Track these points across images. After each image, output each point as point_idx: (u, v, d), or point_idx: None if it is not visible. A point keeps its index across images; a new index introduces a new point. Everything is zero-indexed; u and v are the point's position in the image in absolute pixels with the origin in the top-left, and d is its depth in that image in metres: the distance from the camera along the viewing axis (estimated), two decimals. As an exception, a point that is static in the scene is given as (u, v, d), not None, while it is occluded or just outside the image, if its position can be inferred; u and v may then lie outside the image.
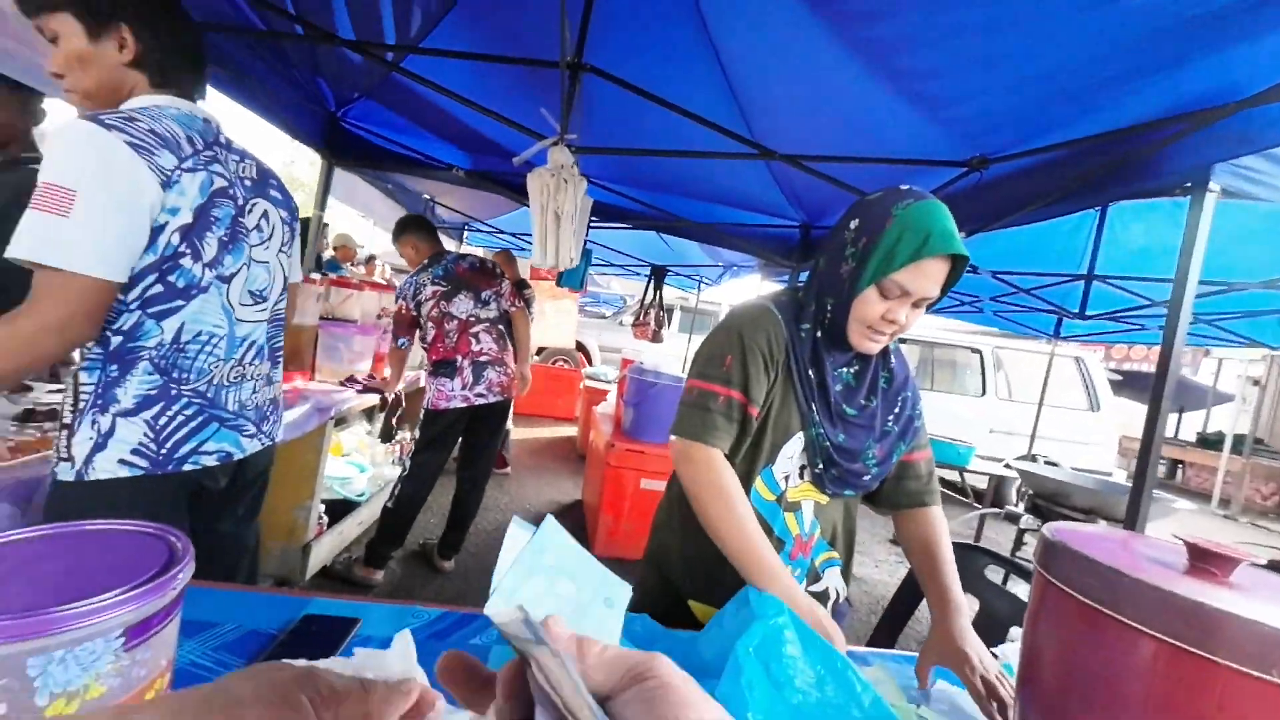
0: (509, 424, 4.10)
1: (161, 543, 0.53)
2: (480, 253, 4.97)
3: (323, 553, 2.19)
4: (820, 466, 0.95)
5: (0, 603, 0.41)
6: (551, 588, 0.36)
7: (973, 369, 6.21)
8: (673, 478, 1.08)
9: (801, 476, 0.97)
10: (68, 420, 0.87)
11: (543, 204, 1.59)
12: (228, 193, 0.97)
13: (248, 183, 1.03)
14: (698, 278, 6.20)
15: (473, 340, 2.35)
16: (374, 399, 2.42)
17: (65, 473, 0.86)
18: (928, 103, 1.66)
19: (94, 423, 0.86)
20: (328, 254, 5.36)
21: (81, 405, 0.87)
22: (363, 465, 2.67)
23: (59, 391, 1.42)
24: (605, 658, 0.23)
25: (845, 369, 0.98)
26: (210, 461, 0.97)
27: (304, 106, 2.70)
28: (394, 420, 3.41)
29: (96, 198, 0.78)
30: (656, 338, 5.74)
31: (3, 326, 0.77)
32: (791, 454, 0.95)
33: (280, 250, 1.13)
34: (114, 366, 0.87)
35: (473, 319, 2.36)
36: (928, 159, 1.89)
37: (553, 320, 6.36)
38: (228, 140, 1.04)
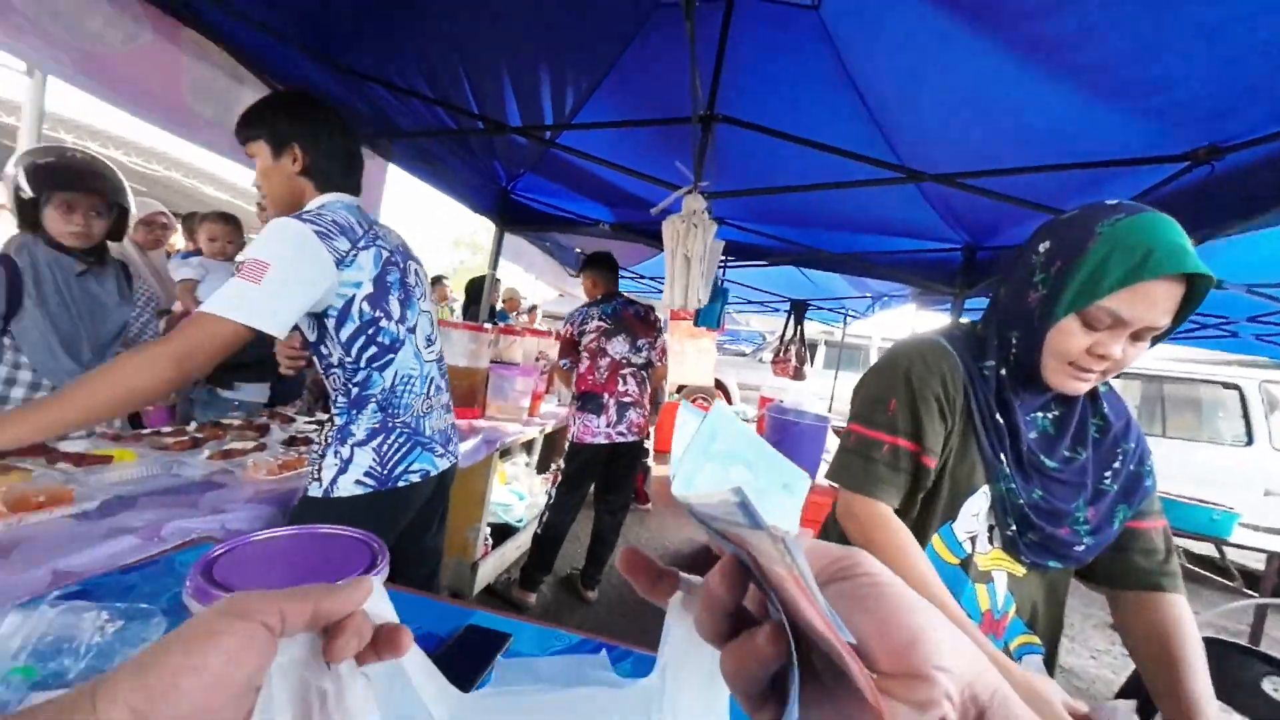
0: (650, 460, 4.21)
1: (366, 547, 0.65)
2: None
3: (487, 571, 2.44)
4: (1013, 528, 0.80)
5: (271, 582, 0.54)
6: (725, 475, 0.34)
7: (1229, 410, 4.81)
8: (826, 525, 1.00)
9: (992, 541, 0.82)
10: (319, 450, 1.13)
11: (672, 248, 1.67)
12: (392, 260, 1.14)
13: (400, 249, 1.23)
14: (843, 310, 5.84)
15: (620, 381, 2.49)
16: (534, 432, 2.68)
17: (315, 490, 1.09)
18: (1125, 92, 1.42)
19: (337, 452, 1.10)
20: (498, 305, 6.18)
21: (330, 439, 1.11)
22: (521, 493, 2.95)
23: (315, 423, 1.83)
24: (804, 546, 0.22)
25: (1041, 414, 0.83)
26: (415, 479, 1.17)
27: (483, 185, 3.22)
28: (552, 453, 3.72)
29: (284, 270, 0.95)
30: (798, 375, 5.48)
31: (130, 354, 0.88)
32: (976, 511, 0.81)
33: (427, 298, 1.34)
34: (354, 410, 1.12)
35: (624, 361, 2.51)
36: (1128, 158, 1.59)
37: (692, 359, 6.46)
38: (374, 219, 1.26)
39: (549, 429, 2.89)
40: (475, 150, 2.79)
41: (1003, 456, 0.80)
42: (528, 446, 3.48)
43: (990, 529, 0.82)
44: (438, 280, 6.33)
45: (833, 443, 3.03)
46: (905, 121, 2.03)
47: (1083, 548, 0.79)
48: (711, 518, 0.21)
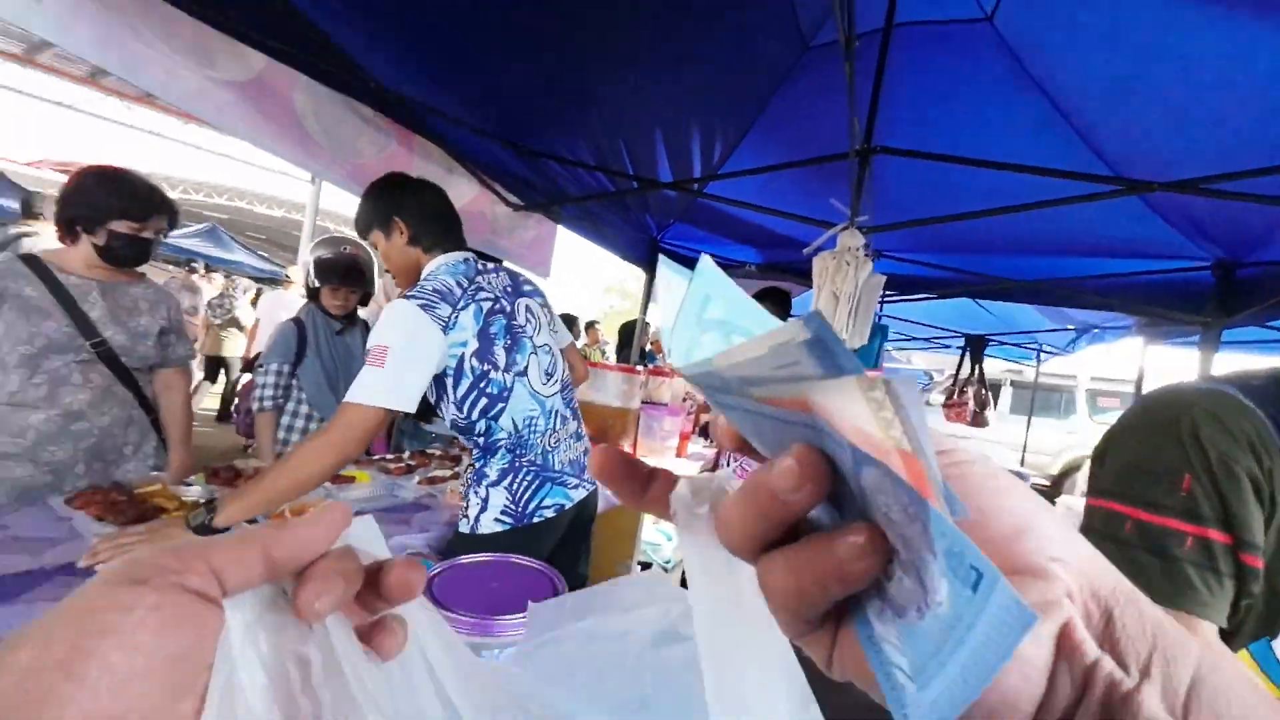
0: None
1: (546, 579, 0.71)
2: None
3: (636, 611, 2.48)
4: None
5: (466, 606, 0.61)
6: (728, 345, 0.24)
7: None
8: None
9: None
10: (464, 492, 1.25)
11: (819, 285, 1.60)
12: (496, 308, 1.19)
13: (508, 289, 1.26)
14: (1035, 346, 4.98)
15: None
16: (693, 468, 2.69)
17: (464, 526, 1.20)
18: None
19: (477, 493, 1.20)
20: (647, 347, 6.50)
21: (471, 482, 1.23)
22: (669, 534, 2.96)
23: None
24: None
25: None
26: (550, 514, 1.23)
27: (635, 237, 3.46)
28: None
29: (401, 350, 1.04)
30: (979, 421, 4.75)
31: (303, 444, 1.02)
32: None
33: (549, 329, 1.37)
34: (485, 455, 1.22)
35: None
36: None
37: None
38: (483, 265, 1.26)
39: (697, 469, 2.89)
40: (630, 206, 3.02)
41: None
42: (674, 487, 3.51)
43: None
44: (591, 325, 6.87)
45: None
46: (1114, 124, 1.73)
47: None
48: (749, 382, 0.16)
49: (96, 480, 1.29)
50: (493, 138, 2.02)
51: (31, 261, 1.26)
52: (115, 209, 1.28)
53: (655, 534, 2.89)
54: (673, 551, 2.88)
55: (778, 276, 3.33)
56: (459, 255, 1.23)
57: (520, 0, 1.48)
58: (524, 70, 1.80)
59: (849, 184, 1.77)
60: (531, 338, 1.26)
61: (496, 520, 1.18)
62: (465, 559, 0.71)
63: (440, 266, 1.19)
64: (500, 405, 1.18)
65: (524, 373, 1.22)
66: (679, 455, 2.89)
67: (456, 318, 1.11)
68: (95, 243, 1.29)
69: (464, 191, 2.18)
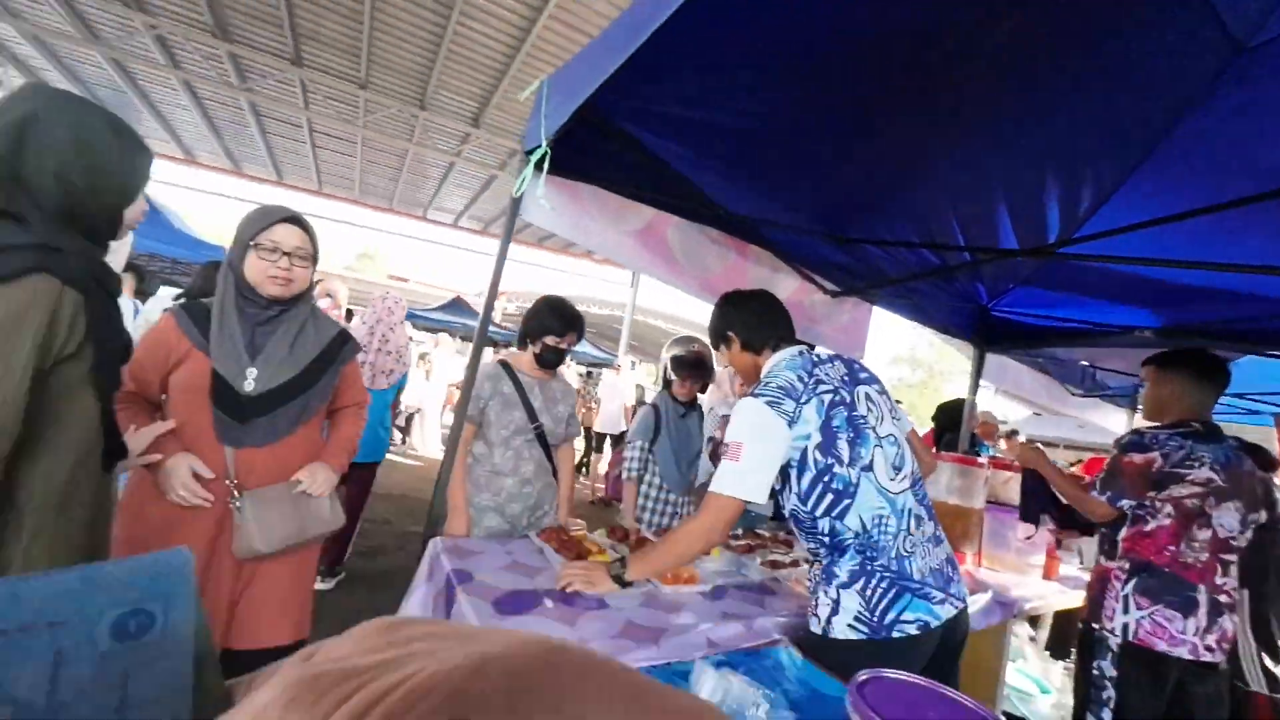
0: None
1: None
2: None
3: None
4: None
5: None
6: None
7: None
8: None
9: None
10: (812, 587, 1.21)
11: None
12: (836, 400, 1.18)
13: (845, 380, 1.24)
14: None
15: (1220, 569, 1.59)
16: (1061, 601, 2.09)
17: (815, 626, 1.16)
18: None
19: (827, 593, 1.15)
20: (975, 430, 5.48)
21: (820, 580, 1.19)
22: (1041, 682, 2.28)
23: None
24: None
25: None
26: (913, 630, 1.09)
27: (959, 307, 3.08)
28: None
29: (753, 445, 1.13)
30: None
31: (684, 525, 1.22)
32: None
33: (891, 418, 1.26)
34: (833, 553, 1.17)
35: (1230, 542, 1.60)
36: None
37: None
38: (818, 355, 1.30)
39: (1079, 599, 2.20)
40: (957, 277, 2.74)
41: None
42: (1033, 619, 2.75)
43: None
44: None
45: None
46: None
47: None
48: None
49: (526, 530, 1.77)
50: (814, 234, 2.16)
51: (505, 365, 1.87)
52: (546, 327, 1.81)
53: (1021, 678, 2.28)
54: (1049, 710, 2.20)
55: (1186, 340, 2.45)
56: (794, 349, 1.30)
57: (845, 110, 1.60)
58: (848, 170, 1.90)
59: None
60: (874, 428, 1.21)
61: (850, 627, 1.12)
62: (889, 673, 0.70)
63: (779, 363, 1.26)
64: (846, 503, 1.14)
65: (870, 468, 1.17)
66: (1047, 577, 2.27)
67: (800, 412, 1.15)
68: (534, 351, 1.85)
69: (787, 285, 2.36)
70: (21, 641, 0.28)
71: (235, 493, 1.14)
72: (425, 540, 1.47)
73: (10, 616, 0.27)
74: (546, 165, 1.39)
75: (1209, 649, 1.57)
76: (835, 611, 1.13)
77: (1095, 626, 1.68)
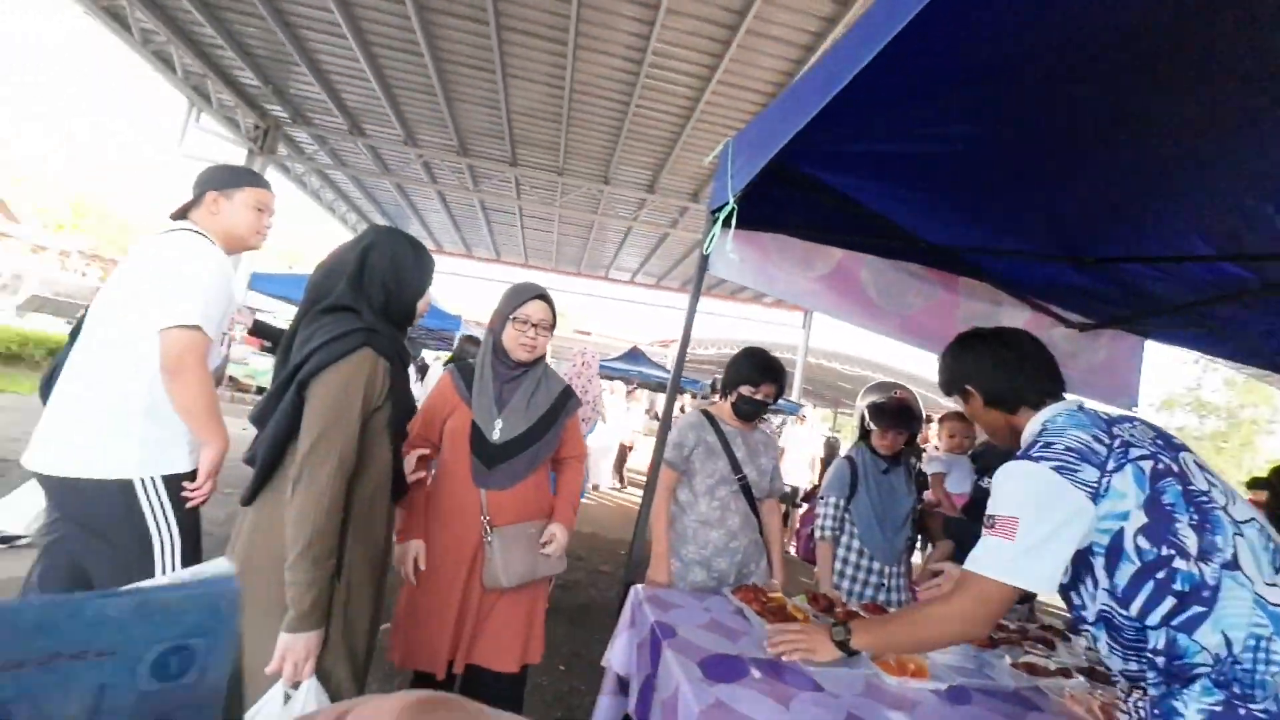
0: None
1: None
2: None
3: None
4: None
5: None
6: None
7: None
8: None
9: None
10: (1143, 711, 0.90)
11: None
12: (1161, 470, 0.89)
13: (1159, 444, 0.93)
14: None
15: None
16: None
17: None
18: None
19: None
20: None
21: (1144, 714, 0.88)
22: None
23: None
24: None
25: None
26: None
27: (1275, 330, 2.26)
28: None
29: (1035, 521, 0.89)
30: None
31: (937, 606, 1.01)
32: None
33: (1231, 498, 0.90)
34: (1174, 683, 0.85)
35: None
36: None
37: None
38: (1107, 413, 1.00)
39: None
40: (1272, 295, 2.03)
41: None
42: None
43: None
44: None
45: None
46: None
47: None
48: None
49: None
50: (1047, 257, 1.81)
51: (707, 415, 1.89)
52: (743, 377, 1.79)
53: None
54: None
55: None
56: (1072, 403, 1.05)
57: (1084, 116, 1.32)
58: (1086, 180, 1.57)
59: None
60: (1226, 509, 0.90)
61: None
62: None
63: (1056, 419, 1.01)
64: (1195, 609, 0.83)
65: (1234, 564, 0.85)
66: None
67: (1109, 482, 0.89)
68: (731, 401, 1.84)
69: (1015, 319, 2.00)
70: (73, 668, 0.27)
71: (488, 528, 1.33)
72: (626, 585, 1.52)
73: (69, 638, 0.26)
74: (734, 221, 1.43)
75: None
76: None
77: None
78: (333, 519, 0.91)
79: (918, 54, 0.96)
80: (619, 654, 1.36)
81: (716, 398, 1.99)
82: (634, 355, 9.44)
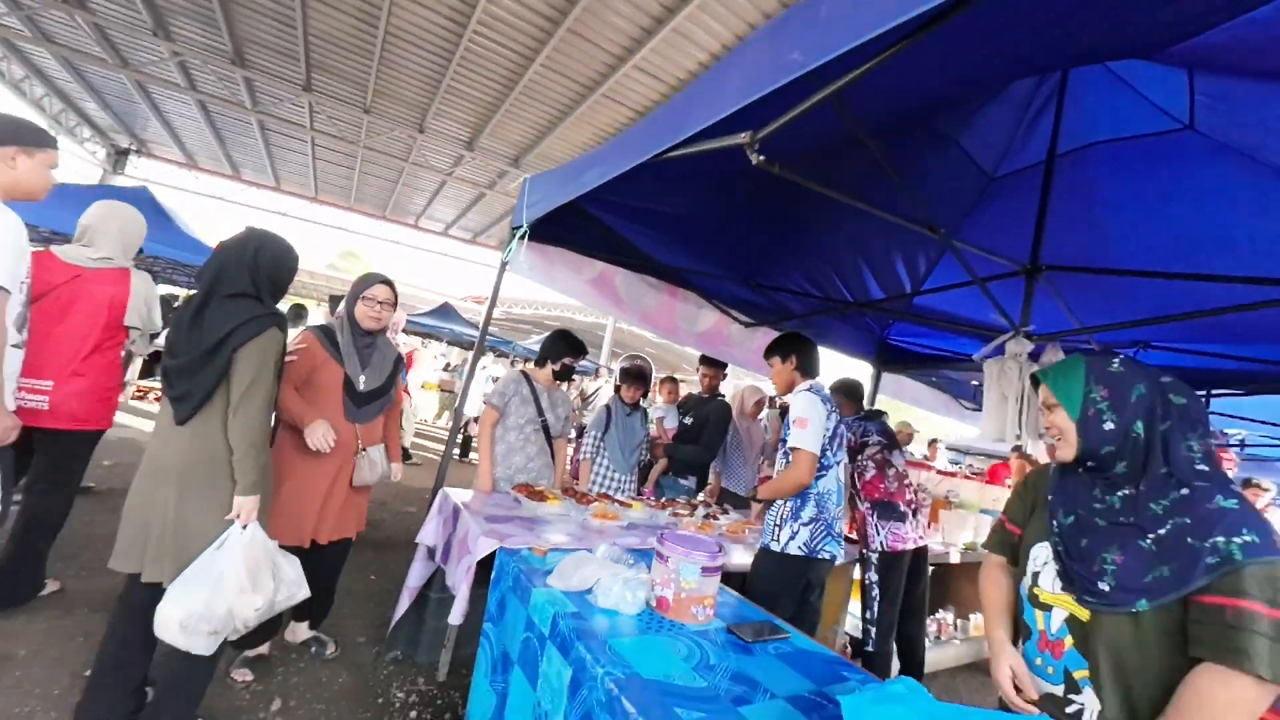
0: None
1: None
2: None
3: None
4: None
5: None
6: None
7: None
8: None
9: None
10: (778, 522, 1.90)
11: (988, 387, 1.84)
12: (835, 420, 1.95)
13: (833, 408, 1.99)
14: None
15: (908, 490, 2.57)
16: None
17: (774, 546, 1.87)
18: None
19: (789, 526, 1.86)
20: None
21: (785, 517, 1.89)
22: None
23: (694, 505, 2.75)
24: None
25: None
26: (825, 556, 1.86)
27: (861, 337, 3.86)
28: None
29: (814, 421, 1.85)
30: None
31: (785, 472, 1.90)
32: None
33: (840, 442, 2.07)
34: (803, 501, 1.88)
35: (905, 473, 2.64)
36: None
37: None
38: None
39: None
40: (848, 315, 3.52)
41: None
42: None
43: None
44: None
45: None
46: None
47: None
48: None
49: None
50: (734, 280, 2.91)
51: (525, 375, 2.54)
52: (561, 351, 2.50)
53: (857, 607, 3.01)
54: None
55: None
56: (818, 380, 2.07)
57: (748, 202, 2.33)
58: (759, 237, 2.65)
59: (1031, 297, 1.99)
60: (838, 434, 2.00)
61: (798, 548, 1.88)
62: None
63: (817, 382, 2.03)
64: (824, 474, 1.92)
65: (837, 463, 1.99)
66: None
67: (830, 414, 1.94)
68: (554, 368, 2.53)
69: (708, 318, 3.09)
70: None
71: (363, 448, 1.90)
72: (435, 491, 2.15)
73: None
74: (528, 238, 2.11)
75: (920, 538, 2.53)
76: (792, 538, 1.87)
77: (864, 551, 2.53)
78: (264, 430, 1.37)
79: (656, 166, 1.71)
80: (429, 532, 2.00)
81: (532, 365, 2.67)
82: (445, 311, 9.30)
